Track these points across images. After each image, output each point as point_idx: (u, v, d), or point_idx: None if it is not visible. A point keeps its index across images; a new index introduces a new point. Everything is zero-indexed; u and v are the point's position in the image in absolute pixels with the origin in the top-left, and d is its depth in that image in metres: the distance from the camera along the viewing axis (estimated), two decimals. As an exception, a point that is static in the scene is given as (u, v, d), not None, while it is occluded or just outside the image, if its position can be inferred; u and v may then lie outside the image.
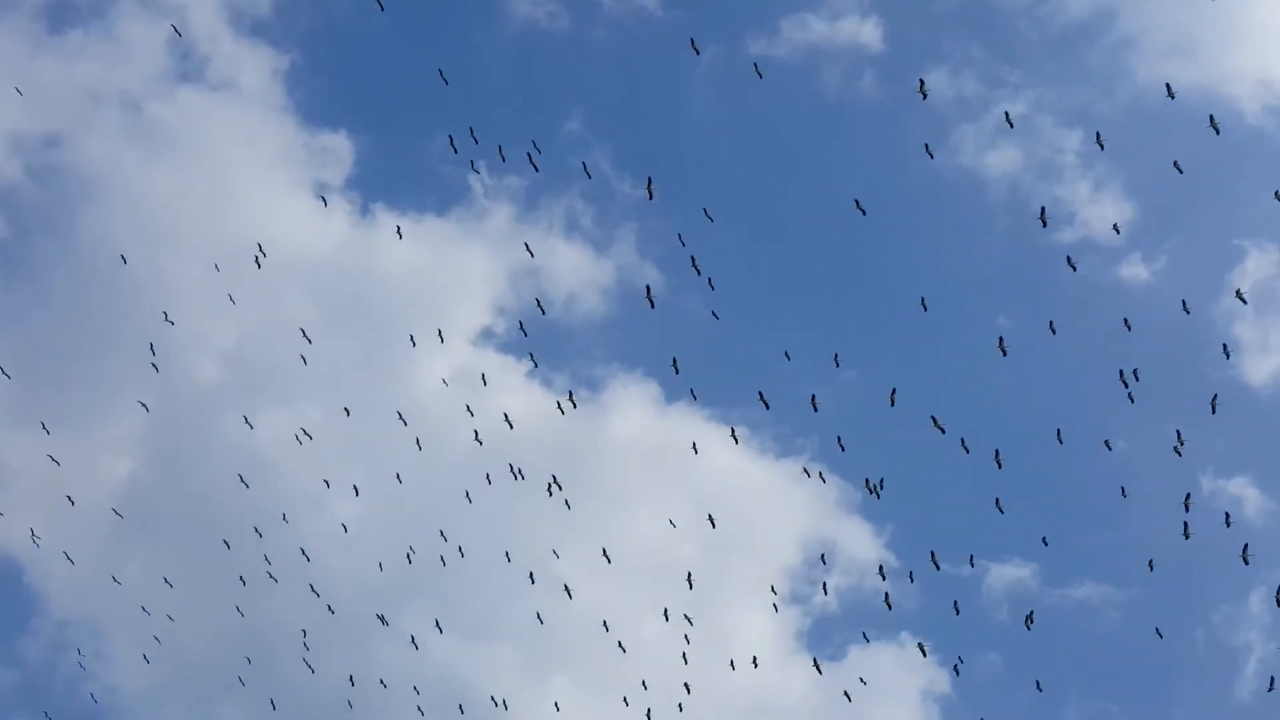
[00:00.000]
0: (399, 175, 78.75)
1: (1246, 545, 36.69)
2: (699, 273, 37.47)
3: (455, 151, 39.93)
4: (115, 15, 75.13)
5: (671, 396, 65.86)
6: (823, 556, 46.82)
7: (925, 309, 37.56)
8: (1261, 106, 66.73)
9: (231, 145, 72.40)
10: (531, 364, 49.28)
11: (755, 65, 39.93)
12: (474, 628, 50.25)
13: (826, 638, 61.29)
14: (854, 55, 73.86)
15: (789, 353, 40.01)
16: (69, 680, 61.75)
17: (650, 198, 39.01)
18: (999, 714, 55.62)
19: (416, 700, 46.61)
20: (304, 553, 48.73)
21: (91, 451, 62.91)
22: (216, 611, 53.41)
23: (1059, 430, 38.38)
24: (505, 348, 68.49)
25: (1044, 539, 41.86)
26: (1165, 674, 57.23)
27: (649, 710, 43.67)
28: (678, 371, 40.77)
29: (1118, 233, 39.47)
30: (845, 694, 42.73)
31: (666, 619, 44.22)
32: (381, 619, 47.22)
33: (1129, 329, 36.50)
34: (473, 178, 73.93)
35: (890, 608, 42.82)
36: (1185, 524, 38.50)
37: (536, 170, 40.20)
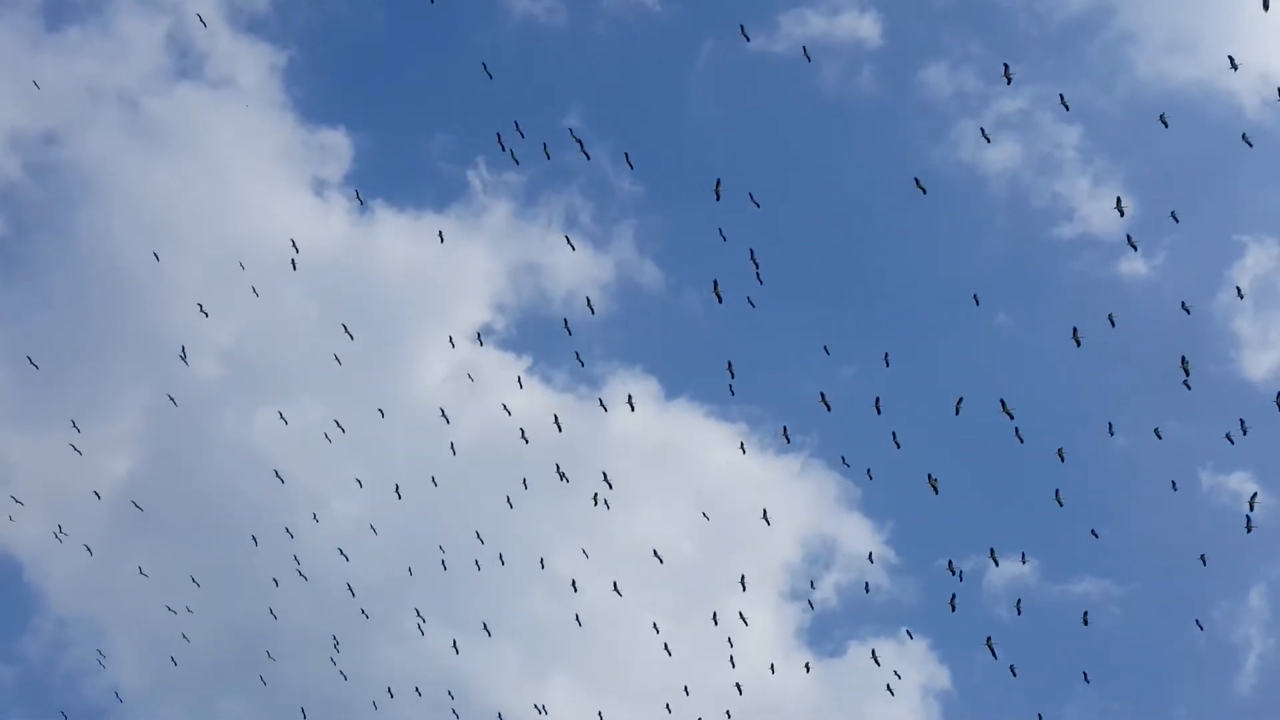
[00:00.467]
0: (398, 172, 78.77)
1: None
2: (756, 265, 36.95)
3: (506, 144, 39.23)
4: (113, 12, 75.13)
5: (672, 393, 65.97)
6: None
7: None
8: (1261, 101, 66.66)
9: (230, 142, 72.40)
10: (531, 361, 49.15)
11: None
12: (473, 625, 50.16)
13: (826, 634, 61.40)
14: (853, 50, 73.86)
15: (788, 350, 39.85)
16: (69, 678, 61.88)
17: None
18: (999, 710, 55.63)
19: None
20: (304, 549, 48.73)
21: (91, 449, 62.84)
22: (217, 609, 53.42)
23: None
24: (505, 344, 68.57)
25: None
26: (1165, 670, 57.29)
27: (648, 708, 43.68)
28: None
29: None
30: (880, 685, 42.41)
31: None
32: (419, 622, 47.22)
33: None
34: (471, 174, 73.96)
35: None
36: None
37: (549, 158, 39.82)
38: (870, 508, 62.99)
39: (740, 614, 43.62)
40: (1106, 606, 58.15)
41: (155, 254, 53.07)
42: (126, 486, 60.08)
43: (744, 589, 43.09)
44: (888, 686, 41.00)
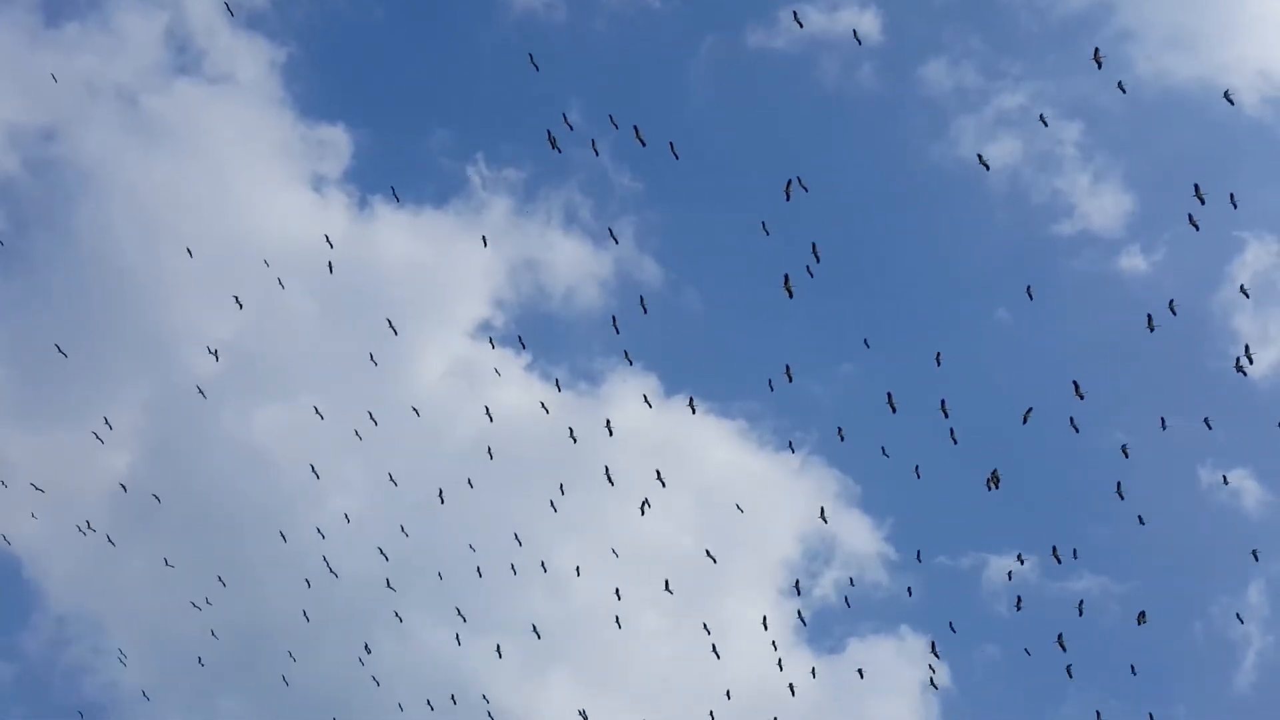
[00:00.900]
0: (397, 168, 78.68)
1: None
2: (816, 258, 36.69)
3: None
4: (111, 8, 75.01)
5: (671, 390, 65.88)
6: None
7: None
8: (1260, 98, 66.64)
9: (229, 138, 72.31)
10: (530, 357, 49.09)
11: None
12: (473, 622, 50.14)
13: (826, 630, 61.36)
14: (852, 46, 73.76)
15: (786, 347, 39.84)
16: (69, 675, 61.87)
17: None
18: (999, 707, 55.65)
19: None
20: (303, 546, 48.69)
21: (90, 445, 62.81)
22: (216, 606, 53.38)
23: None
24: (504, 341, 68.51)
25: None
26: (1164, 667, 57.26)
27: (648, 704, 43.67)
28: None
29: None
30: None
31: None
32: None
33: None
34: (471, 170, 73.89)
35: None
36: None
37: (559, 152, 39.47)
38: (870, 505, 63.08)
39: (739, 610, 43.63)
40: (1106, 603, 58.16)
41: (152, 251, 52.99)
42: (126, 482, 60.14)
43: (743, 585, 43.02)
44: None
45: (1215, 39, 69.82)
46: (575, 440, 43.10)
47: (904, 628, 57.82)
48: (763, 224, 37.55)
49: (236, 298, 46.18)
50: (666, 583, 43.31)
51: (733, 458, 63.26)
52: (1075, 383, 36.49)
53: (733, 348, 67.44)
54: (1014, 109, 71.26)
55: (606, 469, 42.54)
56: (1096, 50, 35.82)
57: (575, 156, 74.83)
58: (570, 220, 74.33)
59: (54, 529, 53.20)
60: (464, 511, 48.30)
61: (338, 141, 74.41)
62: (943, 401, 36.89)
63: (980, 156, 36.86)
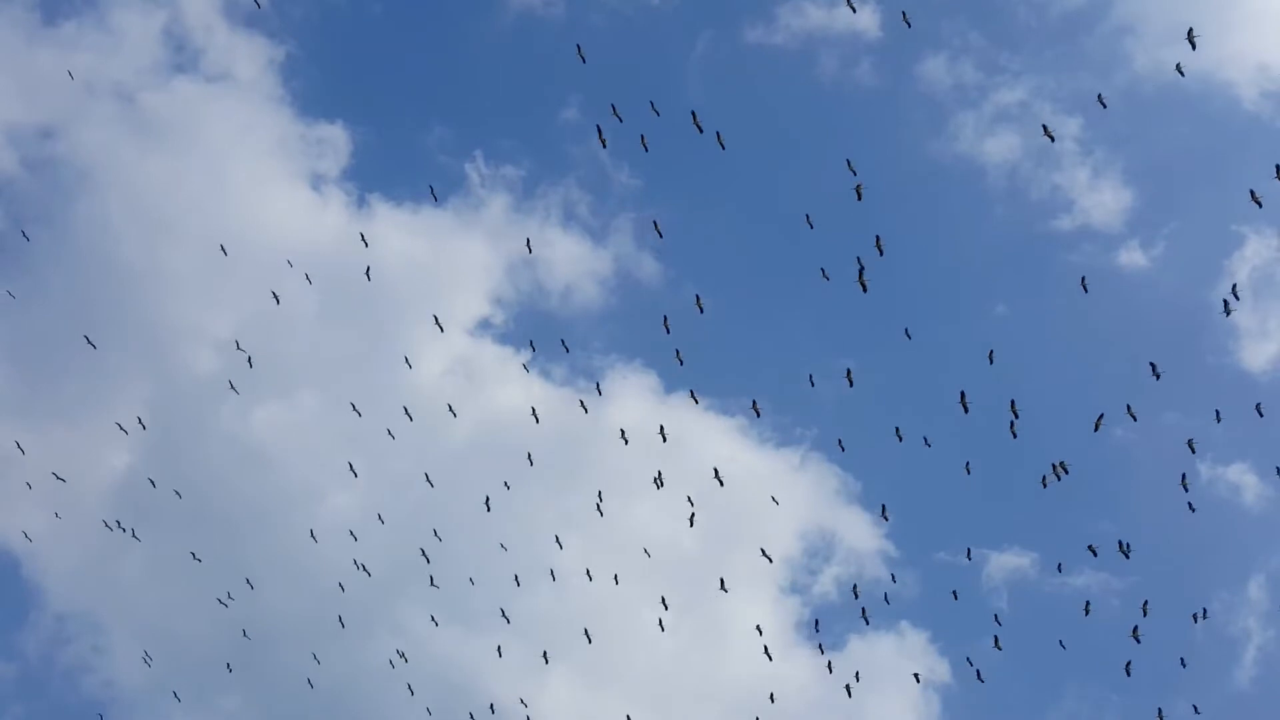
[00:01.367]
0: (395, 166, 78.64)
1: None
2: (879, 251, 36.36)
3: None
4: (109, 6, 74.90)
5: (671, 387, 65.83)
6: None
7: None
8: (1259, 92, 66.62)
9: (227, 136, 72.25)
10: (530, 354, 49.03)
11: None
12: (472, 619, 50.19)
13: (826, 627, 61.30)
14: (851, 42, 73.72)
15: (786, 344, 39.79)
16: (68, 673, 61.85)
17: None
18: (999, 703, 55.64)
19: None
20: (302, 544, 48.66)
21: (89, 443, 62.85)
22: (215, 604, 53.37)
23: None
24: (503, 338, 68.49)
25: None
26: (1163, 663, 57.25)
27: (647, 701, 43.66)
28: (682, 363, 40.55)
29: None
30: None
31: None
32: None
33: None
34: (469, 167, 73.82)
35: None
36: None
37: (605, 146, 39.16)
38: (870, 501, 63.02)
39: (739, 607, 43.63)
40: (1106, 599, 58.13)
41: (152, 248, 52.95)
42: (125, 480, 60.13)
43: (743, 582, 42.97)
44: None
45: (1214, 34, 69.79)
46: (575, 438, 43.11)
47: (904, 624, 57.86)
48: (806, 217, 37.51)
49: (275, 293, 45.80)
50: (666, 580, 43.34)
51: (733, 454, 63.21)
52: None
53: (733, 345, 67.42)
54: (1013, 104, 71.28)
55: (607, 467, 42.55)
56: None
57: (573, 153, 74.83)
58: (569, 217, 74.33)
59: (53, 527, 53.18)
60: (463, 508, 48.32)
61: (336, 139, 74.44)
62: (962, 394, 36.83)
63: (1046, 128, 36.49)
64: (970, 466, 38.78)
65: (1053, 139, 37.21)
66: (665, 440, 42.08)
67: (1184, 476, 37.91)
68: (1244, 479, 59.51)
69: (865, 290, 36.54)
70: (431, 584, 46.29)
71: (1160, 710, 37.59)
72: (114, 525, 48.72)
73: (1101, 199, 67.50)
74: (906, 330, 39.23)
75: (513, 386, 63.08)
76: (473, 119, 78.22)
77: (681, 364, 39.93)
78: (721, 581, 42.43)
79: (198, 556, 48.89)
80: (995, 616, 42.29)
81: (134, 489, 56.94)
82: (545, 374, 65.56)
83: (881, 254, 36.40)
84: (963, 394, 36.88)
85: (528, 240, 46.52)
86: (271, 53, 74.53)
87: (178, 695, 49.09)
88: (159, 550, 55.52)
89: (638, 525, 52.45)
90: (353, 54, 78.92)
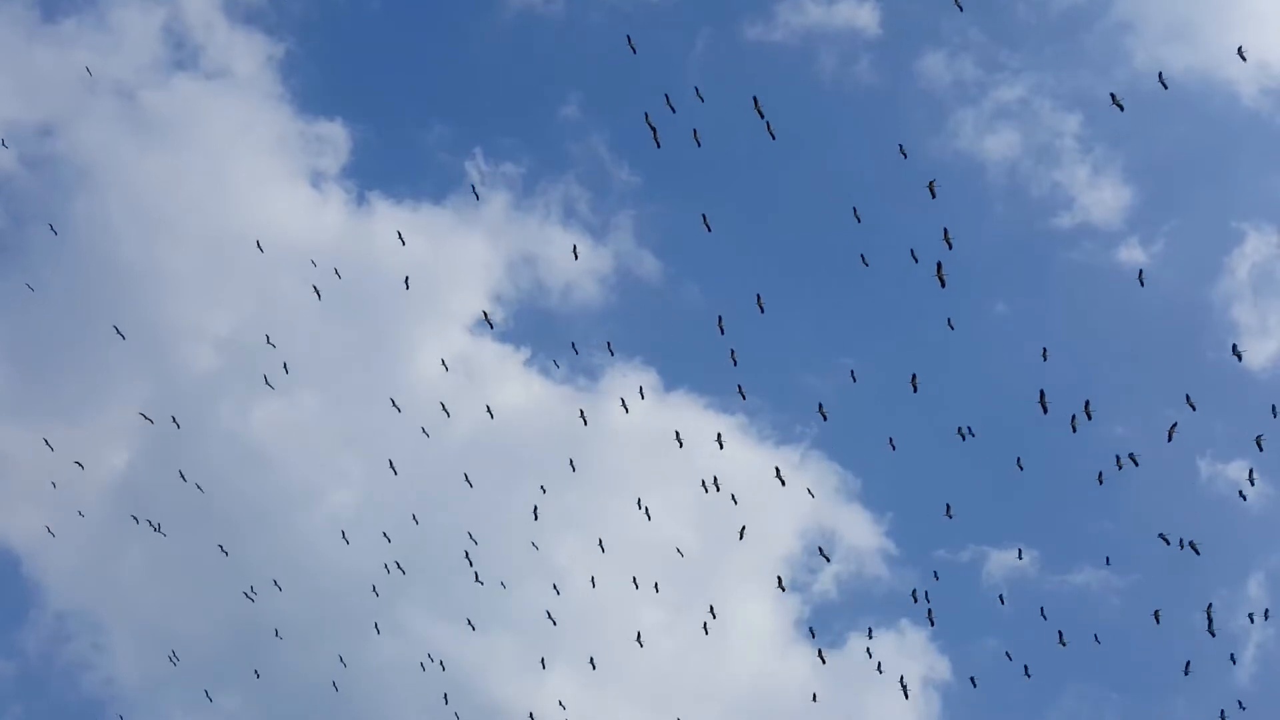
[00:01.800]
0: (395, 164, 78.59)
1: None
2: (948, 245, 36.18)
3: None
4: (108, 3, 74.85)
5: (670, 384, 65.82)
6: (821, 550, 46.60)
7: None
8: (1259, 90, 66.57)
9: (226, 134, 72.20)
10: (529, 352, 49.02)
11: None
12: (472, 617, 50.11)
13: (826, 625, 61.34)
14: (850, 39, 73.64)
15: (785, 341, 39.73)
16: (67, 671, 61.83)
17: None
18: (998, 701, 55.62)
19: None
20: (302, 542, 48.68)
21: (89, 441, 62.80)
22: (214, 601, 53.35)
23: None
24: (503, 336, 68.44)
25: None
26: (1163, 660, 57.27)
27: (647, 699, 43.65)
28: (736, 363, 40.34)
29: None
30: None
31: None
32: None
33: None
34: (469, 165, 73.75)
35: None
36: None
37: (659, 146, 38.69)
38: (870, 499, 63.05)
39: (739, 605, 43.60)
40: (1106, 597, 58.17)
41: (151, 246, 52.86)
42: (125, 478, 60.15)
43: (743, 579, 42.92)
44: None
45: (1213, 31, 69.79)
46: (574, 437, 43.07)
47: (904, 622, 57.80)
48: (854, 209, 37.18)
49: (316, 288, 45.49)
50: (666, 578, 43.32)
51: (732, 452, 63.10)
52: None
53: (732, 342, 67.27)
54: (1013, 101, 71.22)
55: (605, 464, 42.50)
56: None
57: (573, 150, 74.73)
58: (569, 214, 74.27)
59: (52, 525, 53.10)
60: (462, 506, 48.31)
61: (336, 137, 74.42)
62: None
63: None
64: (970, 466, 38.73)
65: (1028, 110, 36.84)
66: (663, 438, 42.10)
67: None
68: (1244, 476, 59.45)
69: (944, 285, 36.33)
70: (431, 582, 46.35)
71: (1159, 709, 37.57)
72: (114, 523, 48.70)
73: (1101, 196, 67.50)
74: (949, 320, 38.96)
75: (513, 384, 63.13)
76: (472, 117, 78.25)
77: (735, 364, 39.52)
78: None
79: (195, 554, 48.87)
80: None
81: (134, 487, 57.00)
82: (545, 371, 65.58)
83: (950, 247, 36.21)
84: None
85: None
86: (271, 50, 74.56)
87: (209, 695, 48.75)
88: (159, 548, 55.52)
89: (637, 523, 52.41)
90: (352, 51, 78.98)
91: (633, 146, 74.16)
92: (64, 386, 64.38)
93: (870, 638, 43.04)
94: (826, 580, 62.05)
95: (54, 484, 49.89)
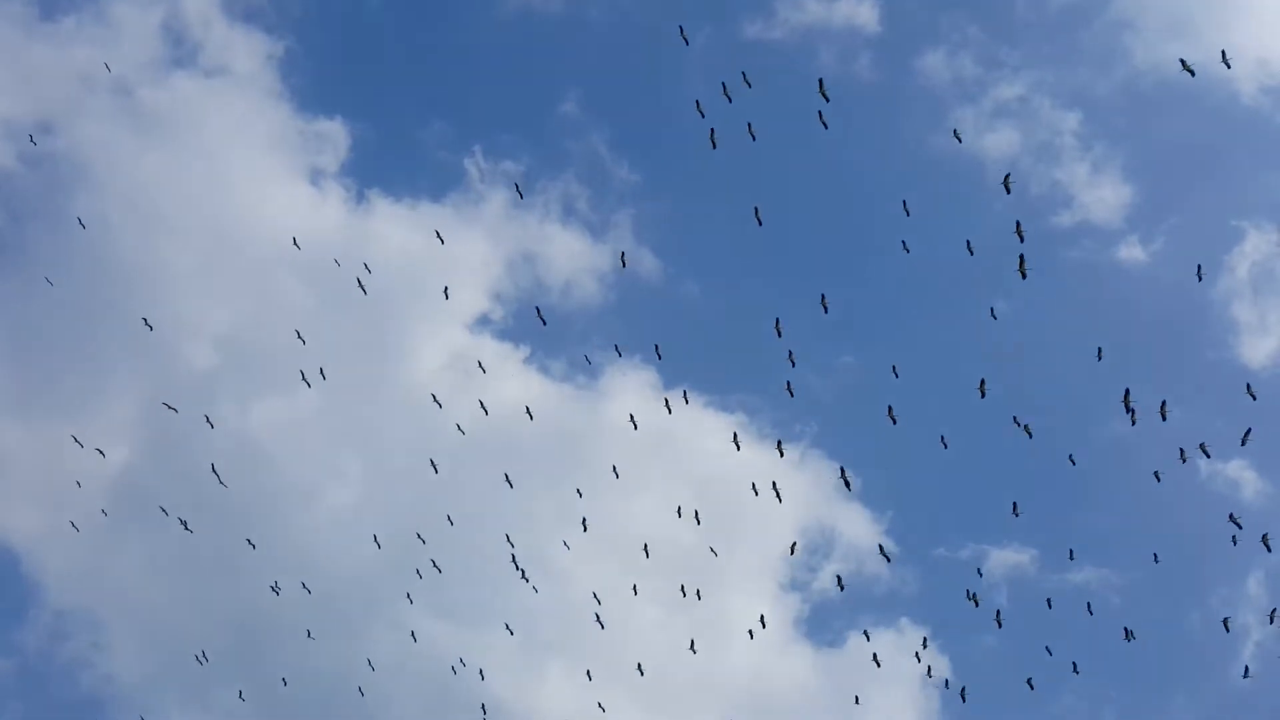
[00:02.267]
0: (394, 161, 78.55)
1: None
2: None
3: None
4: (107, 1, 74.78)
5: (670, 383, 65.76)
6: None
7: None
8: (1259, 87, 66.53)
9: (225, 131, 72.10)
10: (529, 350, 48.99)
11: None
12: (470, 614, 50.16)
13: (826, 624, 61.36)
14: (850, 37, 73.58)
15: (785, 338, 39.68)
16: (66, 670, 61.79)
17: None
18: (998, 699, 55.64)
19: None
20: (301, 540, 48.64)
21: (87, 439, 62.73)
22: (213, 599, 53.33)
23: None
24: (502, 334, 68.41)
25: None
26: (1163, 658, 57.31)
27: (646, 697, 43.62)
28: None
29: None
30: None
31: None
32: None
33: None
34: (469, 163, 73.72)
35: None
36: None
37: (715, 147, 38.30)
38: (869, 497, 63.02)
39: (739, 603, 43.58)
40: (1105, 595, 58.13)
41: (150, 244, 52.76)
42: (123, 476, 60.07)
43: (743, 577, 42.90)
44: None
45: (1213, 28, 69.71)
46: (573, 434, 43.00)
47: (903, 620, 57.80)
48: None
49: (359, 281, 45.23)
50: (665, 576, 43.30)
51: (732, 450, 63.09)
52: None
53: (732, 340, 67.36)
54: (1012, 99, 71.18)
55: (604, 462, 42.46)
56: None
57: (572, 148, 74.66)
58: (568, 212, 74.24)
59: (51, 523, 53.11)
60: (461, 504, 48.25)
61: (335, 135, 74.36)
62: (982, 382, 36.74)
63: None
64: (970, 463, 38.73)
65: (1027, 107, 36.96)
66: (664, 436, 42.07)
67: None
68: (1243, 474, 59.56)
69: (1025, 278, 36.19)
70: (430, 580, 46.25)
71: (1159, 706, 37.55)
72: (113, 522, 48.58)
73: (1101, 194, 67.47)
74: (992, 310, 38.85)
75: (512, 382, 63.03)
76: (472, 114, 78.18)
77: (792, 396, 39.38)
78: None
79: (194, 551, 48.77)
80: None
81: (133, 484, 56.97)
82: (544, 369, 65.58)
83: (1022, 240, 36.06)
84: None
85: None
86: (270, 48, 74.46)
87: (243, 695, 48.49)
88: (157, 546, 55.51)
89: (637, 521, 52.42)
90: (351, 49, 78.88)
91: (632, 144, 74.22)
92: (62, 383, 64.35)
93: (868, 639, 43.02)
94: (826, 578, 62.11)
95: (52, 481, 49.93)
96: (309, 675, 50.13)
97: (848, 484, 41.46)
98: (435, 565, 44.54)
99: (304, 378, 45.63)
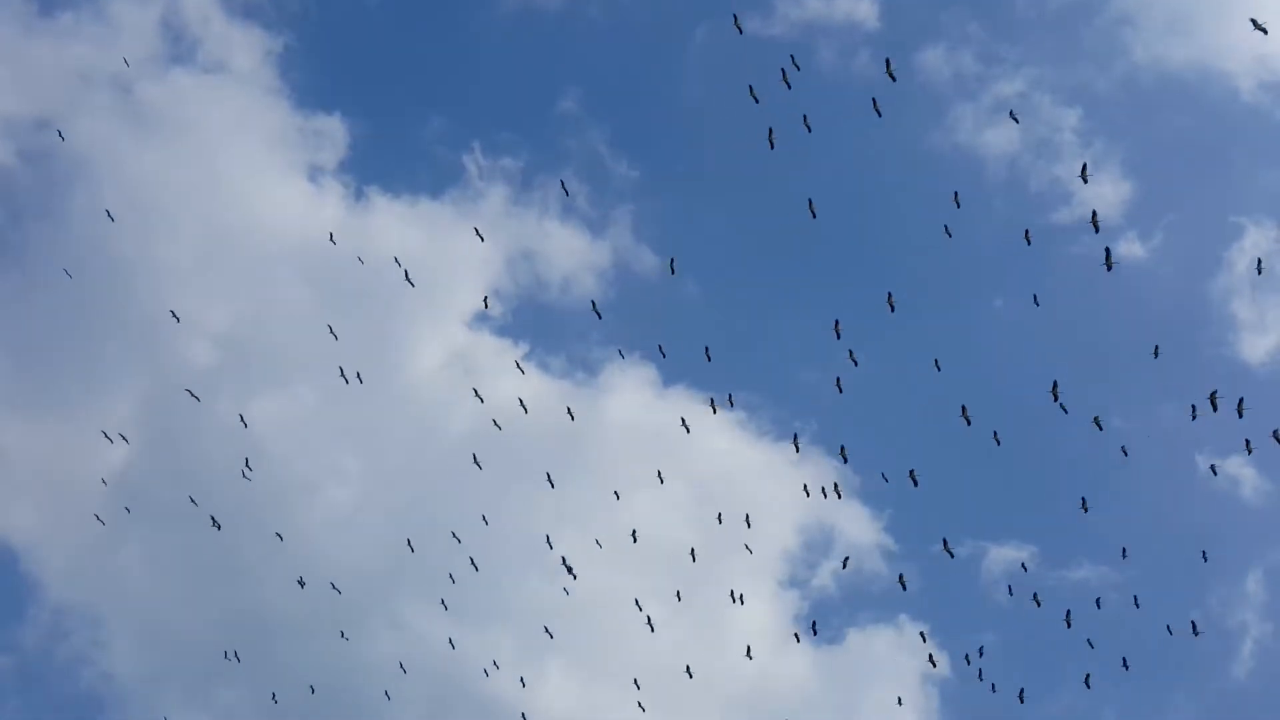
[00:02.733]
0: (393, 158, 78.48)
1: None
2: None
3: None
4: (106, -3, 74.66)
5: (669, 379, 65.76)
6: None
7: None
8: (1257, 83, 66.52)
9: (224, 128, 72.05)
10: (528, 346, 48.97)
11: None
12: (471, 612, 50.12)
13: (825, 621, 61.36)
14: (849, 33, 73.51)
15: (784, 335, 39.65)
16: (66, 667, 61.80)
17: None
18: (998, 697, 55.72)
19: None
20: (300, 537, 48.58)
21: (86, 436, 62.69)
22: (213, 596, 53.31)
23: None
24: (501, 331, 68.36)
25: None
26: (1163, 656, 57.32)
27: (645, 695, 43.61)
28: (664, 355, 40.20)
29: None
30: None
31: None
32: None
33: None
34: (467, 159, 73.68)
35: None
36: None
37: (773, 147, 38.03)
38: (869, 495, 62.98)
39: (736, 597, 43.54)
40: (1105, 592, 58.11)
41: (148, 240, 52.68)
42: (122, 473, 59.99)
43: (742, 575, 42.89)
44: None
45: (1212, 25, 69.74)
46: (573, 432, 42.97)
47: (902, 617, 57.85)
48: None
49: (406, 271, 45.05)
50: (664, 574, 43.28)
51: (732, 448, 63.16)
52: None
53: (731, 337, 67.34)
54: (1012, 96, 71.13)
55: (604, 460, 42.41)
56: (1255, 20, 34.93)
57: (571, 145, 74.59)
58: (567, 210, 74.18)
59: (51, 521, 53.08)
60: (461, 501, 48.25)
61: (334, 131, 74.31)
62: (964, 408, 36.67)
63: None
64: (970, 462, 38.73)
65: (1027, 104, 36.78)
66: (662, 433, 42.05)
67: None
68: (1242, 472, 59.56)
69: (1111, 270, 35.89)
70: (430, 580, 46.29)
71: (1158, 703, 37.57)
72: (112, 520, 48.42)
73: (1100, 190, 67.39)
74: (1035, 297, 38.63)
75: (511, 379, 62.97)
76: (470, 111, 78.14)
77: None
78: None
79: (193, 549, 48.65)
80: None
81: (132, 482, 56.89)
82: (543, 366, 65.54)
83: (1097, 230, 35.86)
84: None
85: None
86: (269, 44, 74.38)
87: (275, 698, 48.32)
88: (157, 543, 55.48)
89: (636, 518, 52.41)
90: (350, 46, 78.80)
91: (631, 141, 74.15)
92: (61, 381, 64.32)
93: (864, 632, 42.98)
94: (825, 576, 62.15)
95: (52, 480, 49.89)
96: (308, 673, 50.17)
97: (839, 494, 41.42)
98: (435, 564, 44.59)
99: (342, 373, 45.59)
